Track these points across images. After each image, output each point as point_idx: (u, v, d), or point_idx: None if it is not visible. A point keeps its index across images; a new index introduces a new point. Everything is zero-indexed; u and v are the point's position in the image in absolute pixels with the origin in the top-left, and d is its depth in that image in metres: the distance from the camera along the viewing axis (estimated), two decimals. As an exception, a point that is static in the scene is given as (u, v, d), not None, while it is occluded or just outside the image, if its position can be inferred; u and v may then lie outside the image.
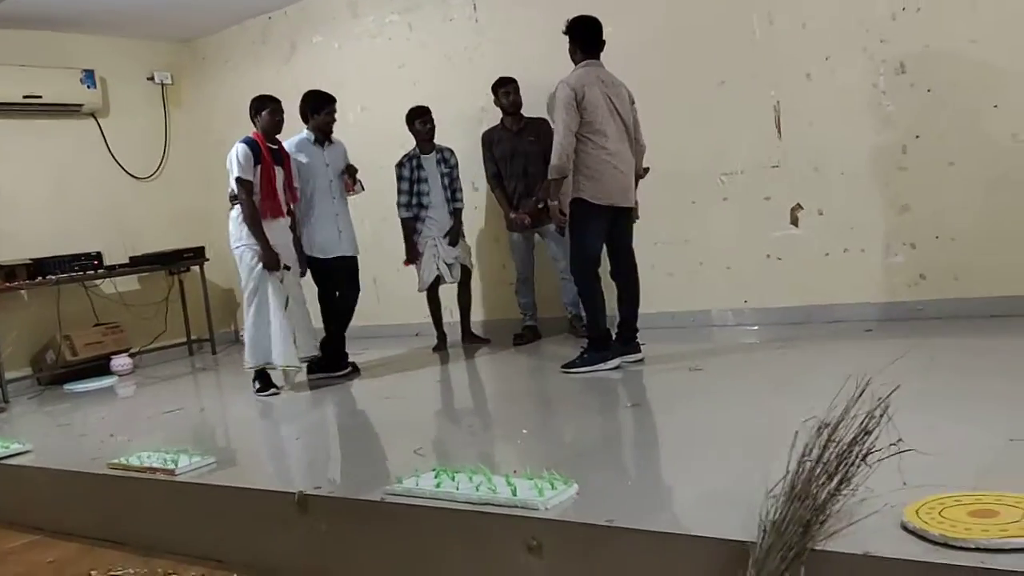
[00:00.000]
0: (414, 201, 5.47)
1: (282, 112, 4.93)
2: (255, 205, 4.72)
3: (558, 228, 4.37)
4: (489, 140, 5.53)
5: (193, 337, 7.39)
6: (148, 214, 7.34)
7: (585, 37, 4.34)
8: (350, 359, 5.26)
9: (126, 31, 7.13)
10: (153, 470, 3.36)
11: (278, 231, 4.83)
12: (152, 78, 7.50)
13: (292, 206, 4.98)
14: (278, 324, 4.78)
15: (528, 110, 5.48)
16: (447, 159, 5.58)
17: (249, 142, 4.77)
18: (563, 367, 4.46)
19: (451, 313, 5.85)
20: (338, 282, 5.15)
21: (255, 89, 7.17)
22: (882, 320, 4.64)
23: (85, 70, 6.87)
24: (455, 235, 5.57)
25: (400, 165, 5.49)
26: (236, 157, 4.72)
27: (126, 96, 7.32)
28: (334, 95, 5.19)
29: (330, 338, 5.15)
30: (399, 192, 5.46)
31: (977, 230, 4.40)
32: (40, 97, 6.59)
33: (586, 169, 4.23)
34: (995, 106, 4.30)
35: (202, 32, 7.48)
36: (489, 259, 5.93)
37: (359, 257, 5.32)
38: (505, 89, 5.38)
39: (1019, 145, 4.25)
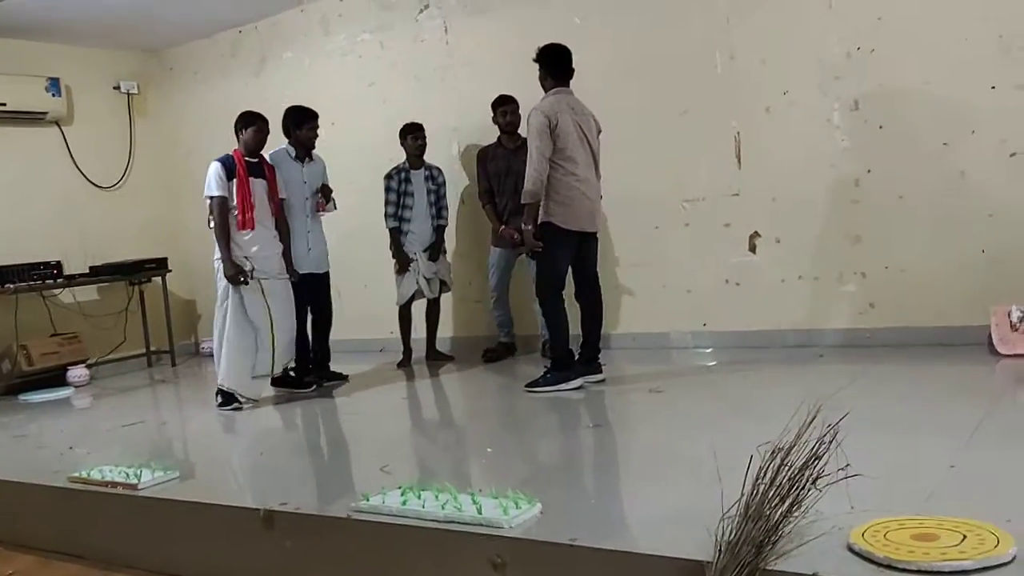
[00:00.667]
0: (399, 213, 5.54)
1: (267, 131, 5.02)
2: (224, 220, 4.80)
3: (530, 253, 4.44)
4: (484, 156, 5.63)
5: (153, 348, 7.32)
6: (110, 224, 7.28)
7: (555, 65, 4.46)
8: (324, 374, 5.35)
9: (93, 40, 7.09)
10: (115, 484, 3.35)
11: (256, 242, 4.86)
12: (118, 87, 7.45)
13: (284, 215, 5.04)
14: (236, 343, 4.83)
15: (477, 131, 5.59)
16: (435, 177, 5.68)
17: (224, 160, 4.88)
18: (527, 386, 4.55)
19: (416, 329, 5.89)
20: (304, 297, 5.17)
21: (223, 101, 7.25)
22: (834, 346, 4.80)
23: (50, 78, 6.82)
24: (436, 250, 5.65)
25: (388, 177, 5.57)
26: (209, 175, 4.85)
27: (91, 105, 7.27)
28: (316, 111, 5.27)
29: (298, 352, 5.17)
30: (386, 203, 5.54)
31: (924, 262, 4.59)
32: (4, 104, 6.52)
33: (556, 195, 4.34)
34: (944, 144, 4.50)
35: (170, 43, 7.47)
36: (456, 276, 6.00)
37: (330, 273, 5.42)
38: (504, 108, 5.49)
39: (966, 182, 4.45)
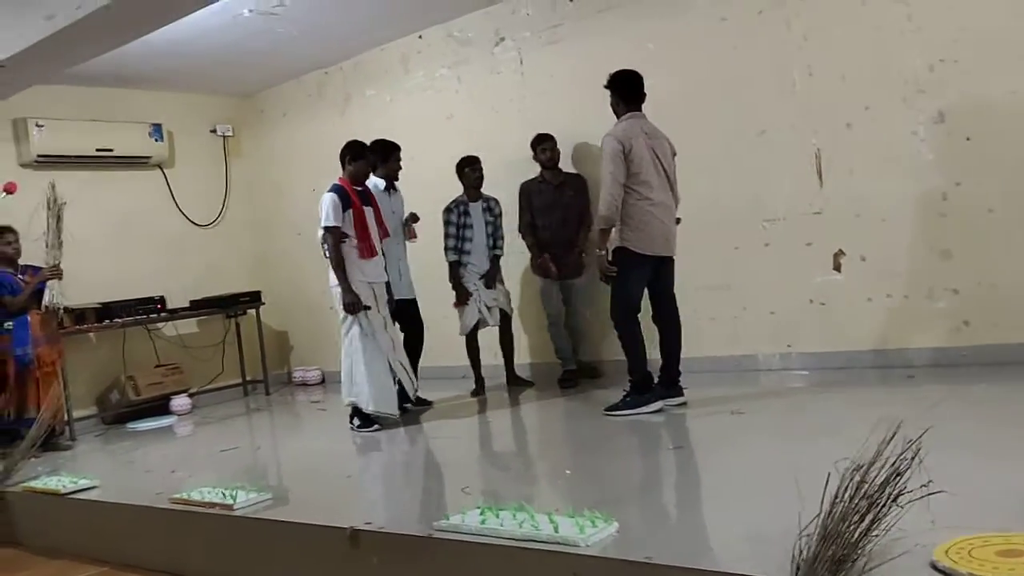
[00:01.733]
0: (459, 246, 5.66)
1: (374, 164, 5.24)
2: (340, 251, 4.94)
3: (603, 278, 4.47)
4: (528, 191, 5.75)
5: (248, 378, 7.62)
6: (208, 260, 7.65)
7: (627, 90, 4.52)
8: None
9: (191, 87, 7.52)
10: (213, 504, 3.52)
11: (374, 269, 5.04)
12: (215, 131, 7.87)
13: (384, 242, 5.20)
14: (367, 368, 4.95)
15: (567, 160, 5.69)
16: (492, 208, 5.78)
17: (337, 189, 5.01)
18: (606, 410, 4.57)
19: (495, 355, 5.97)
20: (399, 324, 5.36)
21: (310, 140, 7.58)
22: (925, 366, 4.64)
23: (153, 124, 7.26)
24: (491, 278, 5.73)
25: (448, 211, 5.69)
26: (325, 205, 4.96)
27: (190, 148, 7.69)
28: (399, 144, 5.51)
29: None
30: (446, 236, 5.66)
31: (1018, 276, 4.41)
32: (112, 150, 6.97)
33: (630, 220, 4.37)
34: (1035, 154, 4.34)
35: (261, 87, 7.85)
36: (536, 303, 6.07)
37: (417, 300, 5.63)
38: (543, 146, 5.65)
39: (1061, 192, 4.28)
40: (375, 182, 5.42)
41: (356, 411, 5.08)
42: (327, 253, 4.98)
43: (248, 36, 6.22)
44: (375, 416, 5.01)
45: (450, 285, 5.70)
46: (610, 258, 4.39)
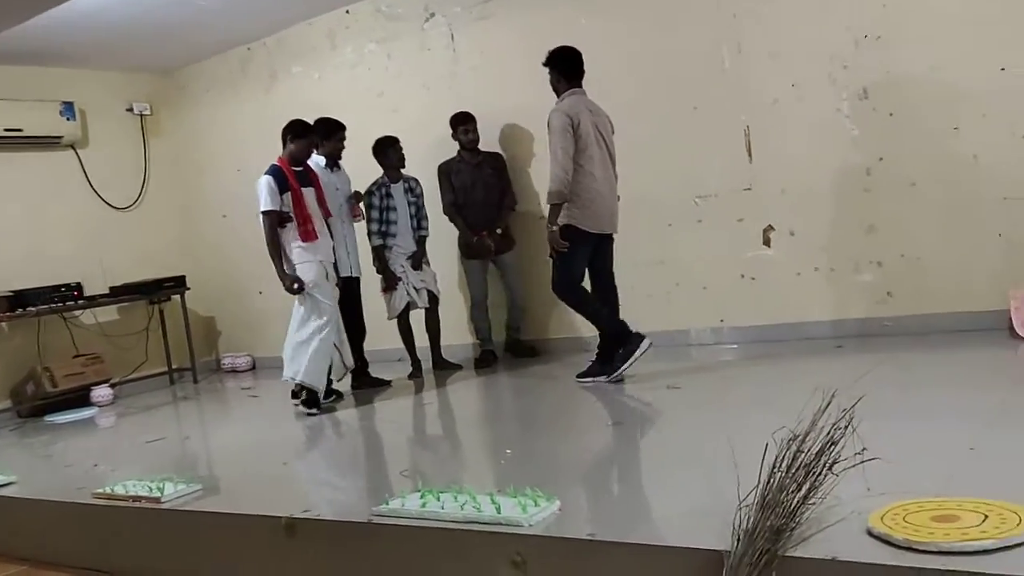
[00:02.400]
0: (383, 228, 5.56)
1: (315, 144, 5.11)
2: (276, 235, 4.84)
3: (553, 253, 4.47)
4: (447, 171, 5.70)
5: (174, 366, 7.39)
6: (128, 244, 7.36)
7: (567, 67, 4.52)
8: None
9: (105, 63, 7.19)
10: (139, 498, 3.39)
11: (320, 251, 4.92)
12: (131, 109, 7.54)
13: (328, 221, 5.09)
14: (322, 345, 4.88)
15: (496, 139, 5.65)
16: (413, 188, 5.70)
17: (274, 171, 4.87)
18: (577, 376, 4.57)
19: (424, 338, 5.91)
20: (344, 301, 5.25)
21: (234, 118, 7.35)
22: (853, 336, 4.76)
23: (64, 102, 6.93)
24: (418, 260, 5.66)
25: (370, 193, 5.57)
26: (261, 189, 4.83)
27: (105, 127, 7.37)
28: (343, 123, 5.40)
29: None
30: (369, 220, 5.54)
31: (941, 248, 4.55)
32: (20, 130, 6.63)
33: (577, 197, 4.38)
34: (955, 128, 4.46)
35: (180, 63, 7.56)
36: (462, 284, 6.02)
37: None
38: (465, 127, 5.62)
39: (979, 165, 4.42)
40: (316, 160, 5.28)
41: (306, 388, 4.94)
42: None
43: (165, 9, 5.96)
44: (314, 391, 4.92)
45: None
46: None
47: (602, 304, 4.62)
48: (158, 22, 6.23)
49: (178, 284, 7.25)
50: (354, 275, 5.45)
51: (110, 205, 7.37)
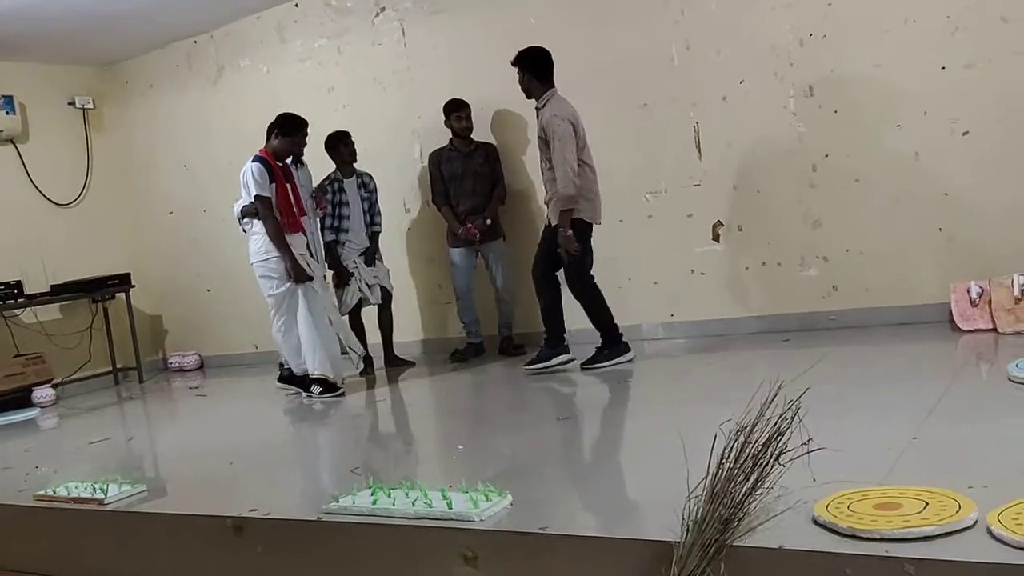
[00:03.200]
0: (335, 224, 5.49)
1: (301, 145, 5.10)
2: (277, 220, 4.79)
3: (567, 256, 4.58)
4: (438, 159, 5.62)
5: (119, 366, 7.22)
6: (70, 241, 7.17)
7: (541, 67, 4.63)
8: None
9: (45, 56, 6.99)
10: (82, 500, 3.31)
11: (299, 244, 4.91)
12: (73, 103, 7.34)
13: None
14: (315, 334, 4.87)
15: (439, 132, 5.63)
16: (366, 184, 5.64)
17: (262, 160, 4.85)
18: (583, 365, 4.68)
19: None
20: None
21: (180, 112, 7.21)
22: (799, 330, 4.85)
23: (3, 96, 6.72)
24: (371, 256, 5.63)
25: (322, 189, 5.51)
26: (252, 175, 4.78)
27: (46, 121, 7.16)
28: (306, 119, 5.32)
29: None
30: (324, 215, 5.48)
31: (884, 243, 4.66)
32: (-44, 124, 6.43)
33: (585, 191, 4.54)
34: (898, 126, 4.57)
35: (124, 56, 7.37)
36: (424, 279, 5.99)
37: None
38: (459, 114, 5.51)
39: (920, 162, 4.53)
40: None
41: (318, 379, 4.95)
42: (244, 227, 4.87)
43: (107, 1, 5.81)
44: (329, 380, 4.94)
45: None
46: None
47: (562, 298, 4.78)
48: (100, 14, 6.07)
49: (123, 282, 7.08)
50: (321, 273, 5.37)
51: (51, 201, 7.17)
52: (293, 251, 4.83)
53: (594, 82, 5.31)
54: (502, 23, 5.53)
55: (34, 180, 7.05)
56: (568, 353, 4.74)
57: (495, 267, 5.59)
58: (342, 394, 4.94)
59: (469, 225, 5.46)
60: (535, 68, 4.59)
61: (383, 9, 6.10)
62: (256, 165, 4.82)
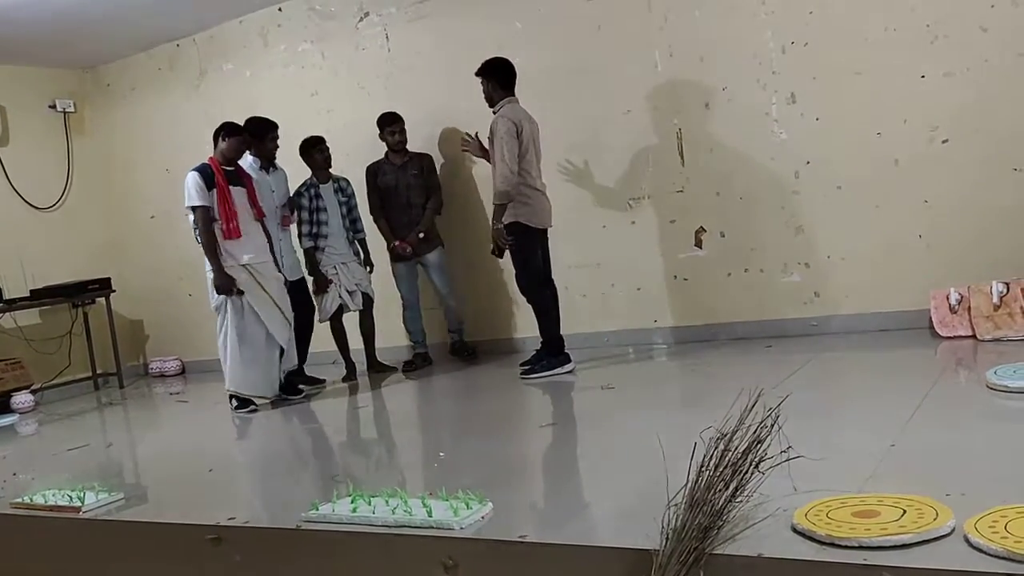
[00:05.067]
0: (314, 231, 5.46)
1: (249, 143, 5.04)
2: (209, 230, 4.77)
3: (496, 251, 4.67)
4: (374, 172, 5.64)
5: (99, 371, 7.16)
6: (50, 245, 7.11)
7: (502, 77, 4.71)
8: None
9: (26, 59, 6.93)
10: (58, 508, 3.27)
11: (248, 249, 4.86)
12: (54, 106, 7.29)
13: (263, 221, 5.00)
14: (241, 350, 4.85)
15: (422, 139, 5.63)
16: (344, 188, 5.62)
17: (201, 169, 4.82)
18: (522, 374, 4.74)
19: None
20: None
21: (162, 116, 7.16)
22: (781, 336, 4.87)
23: (-18, 98, 6.68)
24: (367, 262, 5.66)
25: (299, 195, 5.47)
26: (188, 186, 4.77)
27: (26, 125, 7.10)
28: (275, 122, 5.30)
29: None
30: (300, 222, 5.45)
31: (865, 249, 4.68)
32: (-66, 127, 6.36)
33: (520, 196, 4.60)
34: (878, 133, 4.59)
35: (106, 59, 7.32)
36: (393, 288, 5.98)
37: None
38: (391, 128, 5.54)
39: (900, 170, 4.56)
40: (248, 160, 5.19)
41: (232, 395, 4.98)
42: (198, 237, 4.84)
43: (88, 3, 5.77)
44: (245, 397, 4.94)
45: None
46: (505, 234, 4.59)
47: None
48: (81, 17, 6.03)
49: (103, 286, 7.02)
50: (292, 279, 5.31)
51: (31, 205, 7.11)
52: (236, 261, 4.80)
53: (577, 88, 5.33)
54: (486, 28, 5.54)
55: (14, 184, 6.98)
56: (571, 362, 4.76)
57: (435, 276, 5.65)
58: (254, 410, 4.93)
59: (398, 242, 5.51)
60: (498, 77, 4.70)
61: (367, 14, 6.09)
62: (193, 175, 4.80)
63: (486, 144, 4.82)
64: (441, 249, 5.67)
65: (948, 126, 4.42)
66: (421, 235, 5.53)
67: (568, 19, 5.34)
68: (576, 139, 5.32)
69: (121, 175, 7.53)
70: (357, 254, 5.64)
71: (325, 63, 6.33)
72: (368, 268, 5.67)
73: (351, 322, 5.69)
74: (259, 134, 5.22)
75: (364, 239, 5.68)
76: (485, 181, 5.36)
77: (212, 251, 4.77)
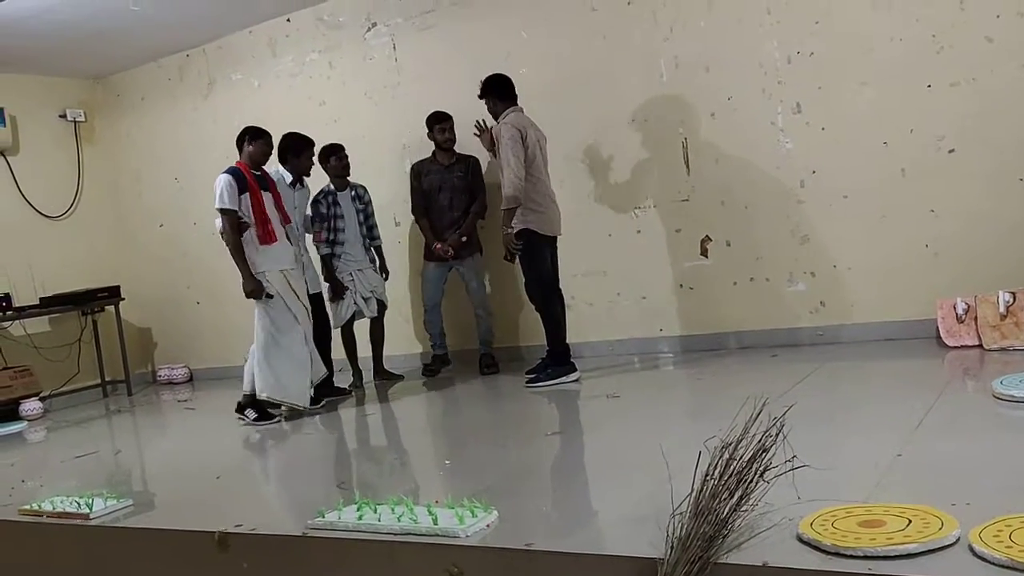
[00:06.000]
0: (331, 237, 5.49)
1: (272, 146, 5.00)
2: (238, 235, 4.72)
3: (508, 256, 4.69)
4: (419, 171, 5.61)
5: (108, 379, 7.19)
6: (60, 254, 7.16)
7: (502, 90, 4.79)
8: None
9: (37, 68, 7.00)
10: (67, 515, 3.29)
11: (276, 255, 4.82)
12: (64, 115, 7.35)
13: (288, 228, 4.97)
14: (275, 358, 4.78)
15: (429, 147, 5.63)
16: (361, 196, 5.63)
17: (233, 171, 4.78)
18: (527, 383, 4.77)
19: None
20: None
21: (171, 126, 7.21)
22: (787, 345, 4.87)
23: (-6, 107, 6.74)
24: (384, 269, 5.68)
25: (316, 202, 5.50)
26: (220, 187, 4.71)
27: (37, 134, 7.16)
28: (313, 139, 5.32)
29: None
30: (318, 230, 5.47)
31: (871, 259, 4.68)
32: (-54, 136, 6.42)
33: (530, 202, 4.63)
34: (884, 143, 4.60)
35: (116, 69, 7.39)
36: (417, 293, 5.98)
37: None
38: (441, 126, 5.49)
39: (907, 179, 4.56)
40: (281, 173, 5.22)
41: (252, 403, 4.87)
42: (225, 240, 4.80)
43: (98, 14, 5.83)
44: (280, 405, 4.86)
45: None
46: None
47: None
48: (92, 28, 6.09)
49: (112, 294, 7.06)
50: (313, 292, 5.28)
51: (41, 213, 7.16)
52: (276, 266, 4.78)
53: (583, 97, 5.35)
54: (493, 39, 5.57)
55: (24, 193, 7.04)
56: (576, 370, 4.77)
57: (471, 283, 5.61)
58: (278, 421, 4.85)
59: (438, 245, 5.48)
60: (497, 91, 4.77)
61: (374, 24, 6.13)
62: (226, 177, 4.74)
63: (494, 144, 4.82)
64: (479, 256, 5.64)
65: (954, 136, 4.43)
66: (464, 239, 5.50)
67: (574, 29, 5.37)
68: (582, 148, 5.34)
69: (131, 184, 7.58)
70: (373, 261, 5.65)
71: (333, 73, 6.37)
72: (384, 275, 5.68)
73: (358, 328, 5.70)
74: (296, 150, 5.23)
75: (380, 246, 5.70)
76: (492, 188, 5.43)
77: (241, 255, 4.71)
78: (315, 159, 5.37)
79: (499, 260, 5.58)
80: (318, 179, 5.57)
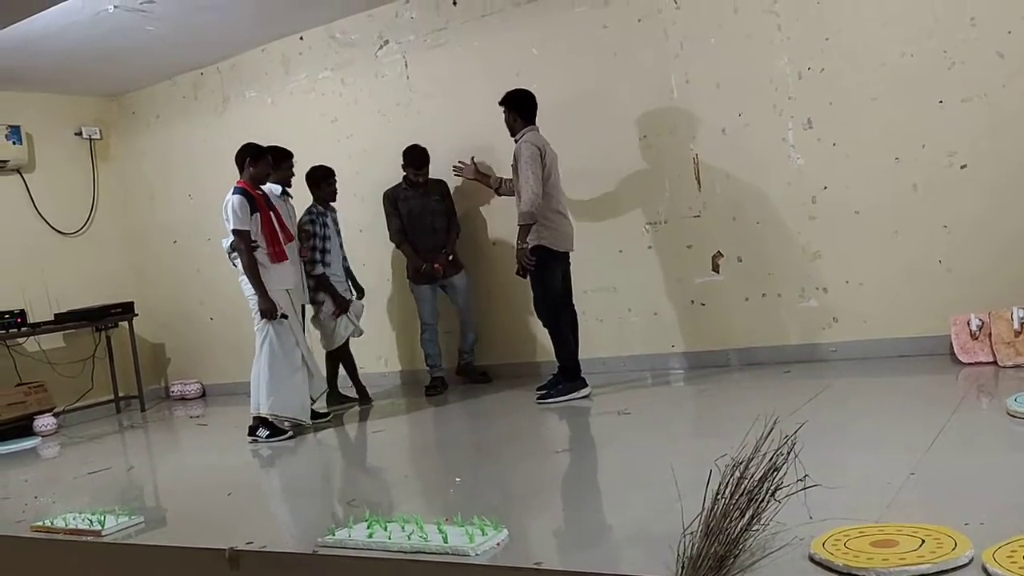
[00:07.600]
0: (318, 258, 5.47)
1: (271, 165, 5.04)
2: (253, 254, 4.74)
3: (521, 271, 4.74)
4: (394, 197, 5.68)
5: (121, 394, 7.23)
6: (75, 270, 7.22)
7: (525, 107, 4.84)
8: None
9: (53, 87, 7.08)
10: (79, 532, 3.30)
11: (284, 274, 4.88)
12: (80, 133, 7.43)
13: (288, 247, 5.01)
14: (280, 375, 4.79)
15: (440, 165, 5.68)
16: (336, 219, 5.68)
17: (243, 192, 4.80)
18: (538, 399, 4.78)
19: (386, 363, 5.87)
20: None
21: (185, 143, 7.27)
22: (798, 361, 4.84)
23: (11, 126, 6.80)
24: (360, 289, 5.77)
25: (312, 222, 5.50)
26: (233, 208, 4.73)
27: (53, 151, 7.24)
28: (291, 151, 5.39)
29: None
30: (312, 249, 5.45)
31: (884, 274, 4.66)
32: (-37, 154, 6.49)
33: (545, 219, 4.70)
34: (896, 159, 4.59)
35: (131, 87, 7.47)
36: (413, 311, 5.98)
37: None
38: (416, 171, 5.58)
39: (919, 195, 4.54)
40: (271, 187, 5.25)
41: (263, 422, 4.88)
42: (234, 261, 4.83)
43: (114, 34, 5.89)
44: (289, 422, 4.86)
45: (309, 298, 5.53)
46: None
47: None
48: (108, 47, 6.16)
49: (126, 310, 7.11)
50: (306, 304, 5.39)
51: (57, 230, 7.23)
52: (281, 285, 4.82)
53: (594, 114, 5.37)
54: (504, 56, 5.60)
55: (40, 209, 7.11)
56: (587, 387, 4.78)
57: (460, 298, 5.71)
58: (291, 437, 4.83)
59: (437, 265, 5.55)
60: (520, 108, 4.81)
61: (386, 42, 6.18)
62: (237, 197, 4.75)
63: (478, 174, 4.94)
64: (465, 272, 5.74)
65: (966, 151, 4.41)
66: (450, 257, 5.62)
67: (585, 46, 5.40)
68: (593, 164, 5.35)
69: (145, 201, 7.64)
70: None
71: (345, 90, 6.42)
72: (359, 294, 5.76)
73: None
74: (277, 162, 5.25)
75: (349, 267, 5.78)
76: (492, 209, 5.56)
77: (256, 275, 4.73)
78: (293, 169, 5.41)
79: (480, 278, 5.67)
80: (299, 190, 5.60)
